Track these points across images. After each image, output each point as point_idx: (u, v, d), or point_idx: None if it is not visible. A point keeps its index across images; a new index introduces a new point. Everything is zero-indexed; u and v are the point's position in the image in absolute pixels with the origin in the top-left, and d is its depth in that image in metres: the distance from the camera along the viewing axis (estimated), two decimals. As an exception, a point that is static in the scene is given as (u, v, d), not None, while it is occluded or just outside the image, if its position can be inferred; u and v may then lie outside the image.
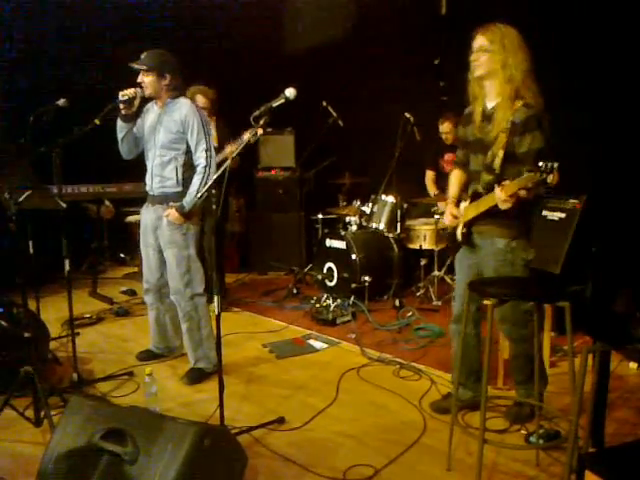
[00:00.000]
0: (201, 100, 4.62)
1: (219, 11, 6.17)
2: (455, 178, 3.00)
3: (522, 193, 2.41)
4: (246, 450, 2.37)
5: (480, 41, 2.61)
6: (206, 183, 3.23)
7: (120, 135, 3.41)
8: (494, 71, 2.59)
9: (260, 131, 4.32)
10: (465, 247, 2.85)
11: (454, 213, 2.87)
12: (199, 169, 3.28)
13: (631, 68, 3.94)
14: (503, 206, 2.48)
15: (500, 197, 2.45)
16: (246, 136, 4.12)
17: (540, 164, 2.25)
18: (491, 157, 2.65)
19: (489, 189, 2.61)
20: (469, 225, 2.79)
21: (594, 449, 2.42)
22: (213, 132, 4.72)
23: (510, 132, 2.57)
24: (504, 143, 2.58)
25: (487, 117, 2.69)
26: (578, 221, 3.61)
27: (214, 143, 4.60)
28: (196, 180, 3.28)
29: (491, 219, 2.66)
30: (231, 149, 4.45)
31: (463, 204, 2.85)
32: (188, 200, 3.27)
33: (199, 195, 3.20)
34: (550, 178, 2.26)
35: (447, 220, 2.90)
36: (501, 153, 2.59)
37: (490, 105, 2.69)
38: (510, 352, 2.91)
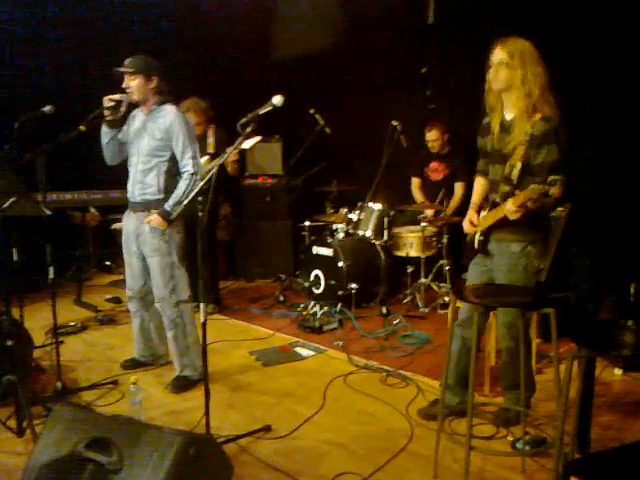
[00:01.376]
0: (193, 118, 4.51)
1: (208, 19, 6.19)
2: (478, 186, 3.03)
3: (529, 204, 2.47)
4: (232, 459, 2.36)
5: (500, 55, 2.62)
6: (192, 190, 3.22)
7: (104, 140, 3.40)
8: (514, 85, 2.62)
9: (258, 138, 4.33)
10: (481, 255, 2.88)
11: (472, 220, 2.90)
12: (186, 175, 3.27)
13: (616, 81, 4.00)
14: (512, 217, 2.54)
15: (510, 209, 2.52)
16: (245, 144, 4.12)
17: (551, 178, 2.29)
18: (509, 168, 2.68)
19: (506, 200, 2.65)
20: (486, 233, 2.82)
21: (580, 455, 2.43)
22: (210, 140, 4.71)
23: (529, 144, 2.60)
24: (522, 155, 2.61)
25: (505, 128, 2.73)
26: (563, 229, 3.65)
27: (210, 150, 4.61)
28: (182, 185, 3.27)
29: (508, 226, 2.69)
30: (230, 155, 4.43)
31: (483, 213, 2.88)
32: (171, 204, 3.25)
33: (185, 201, 3.19)
34: (552, 190, 2.31)
35: (465, 227, 2.95)
36: (519, 165, 2.63)
37: (508, 117, 2.73)
38: (504, 359, 2.92)
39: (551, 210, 2.76)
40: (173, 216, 3.23)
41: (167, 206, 3.25)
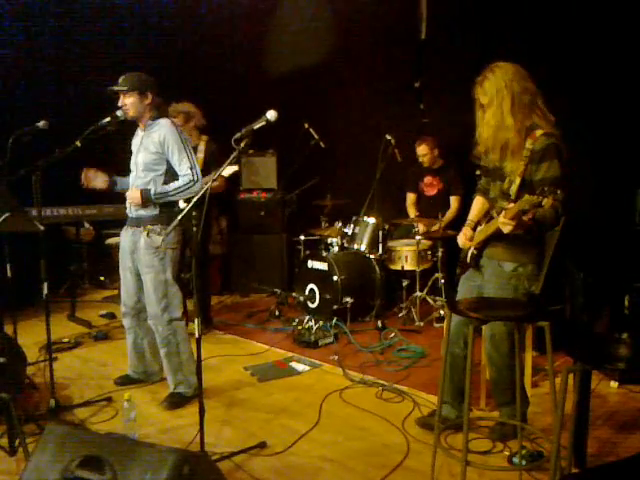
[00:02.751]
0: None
1: (202, 33, 6.22)
2: (477, 203, 3.04)
3: (524, 217, 2.45)
4: (227, 477, 2.34)
5: (479, 99, 2.66)
6: (183, 192, 3.24)
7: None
8: (497, 123, 2.63)
9: (235, 167, 4.30)
10: (473, 269, 2.88)
11: (467, 235, 2.90)
12: (184, 179, 3.26)
13: (609, 96, 4.04)
14: (504, 229, 2.51)
15: (502, 220, 2.48)
16: (225, 171, 4.09)
17: (545, 189, 2.27)
18: (508, 184, 2.69)
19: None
20: (480, 248, 2.82)
21: (576, 469, 2.42)
22: (200, 155, 4.65)
23: (529, 160, 2.60)
24: (522, 171, 2.62)
25: (506, 146, 2.70)
26: (557, 241, 3.66)
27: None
28: (177, 182, 3.27)
29: (501, 243, 2.69)
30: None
31: (479, 228, 2.88)
32: (158, 191, 3.25)
33: (173, 196, 3.24)
34: (545, 201, 2.28)
35: (459, 241, 2.94)
36: (518, 180, 2.63)
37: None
38: (490, 375, 2.91)
39: (549, 229, 2.72)
40: (169, 229, 3.16)
41: (152, 191, 3.25)
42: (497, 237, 2.67)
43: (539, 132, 2.61)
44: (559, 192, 2.28)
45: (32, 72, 5.56)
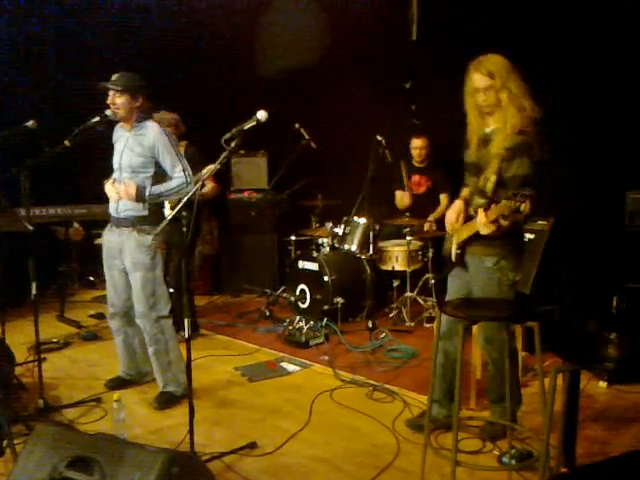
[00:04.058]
0: None
1: (192, 33, 6.20)
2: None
3: (502, 221, 2.49)
4: (217, 477, 2.33)
5: (482, 80, 2.65)
6: (177, 193, 3.24)
7: None
8: (503, 105, 2.64)
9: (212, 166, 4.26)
10: (460, 267, 2.89)
11: (458, 206, 2.88)
12: (177, 180, 3.26)
13: (603, 98, 4.06)
14: (483, 230, 2.55)
15: (480, 221, 2.53)
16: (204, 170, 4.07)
17: (520, 195, 2.30)
18: (484, 181, 2.70)
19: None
20: (463, 246, 2.83)
21: (565, 469, 2.43)
22: None
23: (503, 157, 2.62)
24: (496, 168, 2.63)
25: (485, 142, 2.74)
26: (546, 242, 3.67)
27: None
28: (172, 182, 3.26)
29: (480, 239, 2.70)
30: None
31: (460, 226, 2.88)
32: (154, 190, 3.23)
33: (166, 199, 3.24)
34: (523, 207, 2.32)
35: (448, 214, 2.92)
36: (493, 178, 2.65)
37: (488, 130, 2.75)
38: (488, 372, 2.93)
39: (521, 224, 2.76)
40: (158, 229, 3.17)
41: (147, 190, 3.23)
42: (476, 235, 2.69)
43: (514, 130, 2.62)
44: (533, 192, 2.31)
45: (22, 72, 5.53)
